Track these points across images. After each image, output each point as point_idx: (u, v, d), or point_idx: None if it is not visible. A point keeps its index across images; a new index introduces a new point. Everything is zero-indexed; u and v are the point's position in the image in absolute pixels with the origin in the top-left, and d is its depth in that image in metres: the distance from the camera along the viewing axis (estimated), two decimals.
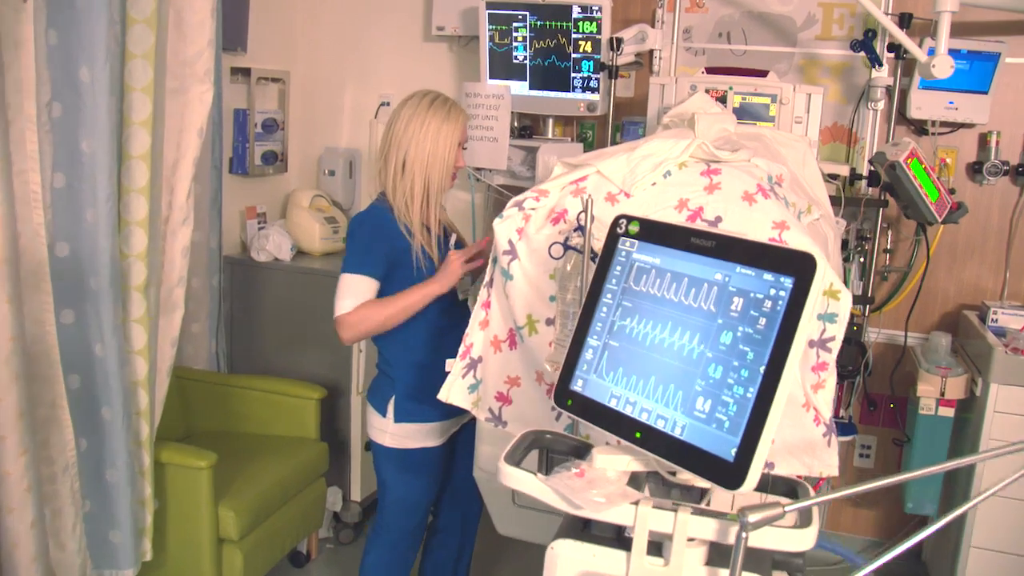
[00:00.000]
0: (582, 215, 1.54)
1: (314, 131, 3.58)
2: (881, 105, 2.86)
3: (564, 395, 1.28)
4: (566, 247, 1.57)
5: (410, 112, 2.07)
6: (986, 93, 2.71)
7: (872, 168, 2.48)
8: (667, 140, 1.73)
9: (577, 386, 1.27)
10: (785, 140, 2.17)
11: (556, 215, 1.66)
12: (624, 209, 1.64)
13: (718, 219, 1.60)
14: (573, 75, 2.91)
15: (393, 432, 2.13)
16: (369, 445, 2.26)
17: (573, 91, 2.93)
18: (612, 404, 1.22)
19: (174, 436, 2.82)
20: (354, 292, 1.98)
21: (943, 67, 2.25)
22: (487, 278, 1.74)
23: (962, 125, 2.80)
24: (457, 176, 2.17)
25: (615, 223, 1.29)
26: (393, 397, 2.13)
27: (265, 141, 3.27)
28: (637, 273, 1.25)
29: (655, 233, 1.25)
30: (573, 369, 1.28)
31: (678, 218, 1.62)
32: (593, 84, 2.90)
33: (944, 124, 2.78)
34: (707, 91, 2.45)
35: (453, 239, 2.18)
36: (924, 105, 2.71)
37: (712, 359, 1.12)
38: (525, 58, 2.95)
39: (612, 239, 1.30)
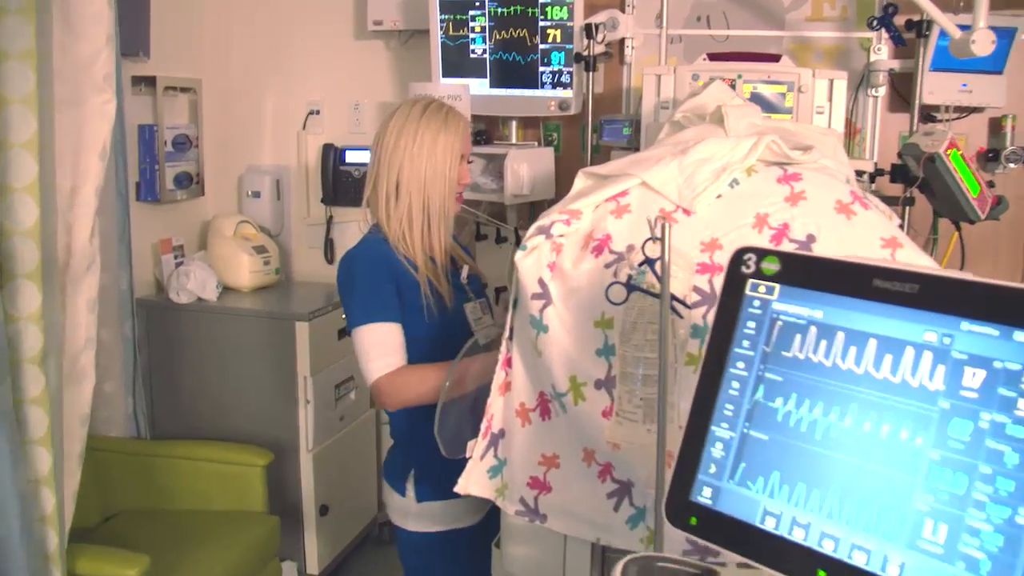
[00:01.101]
0: (650, 244, 1.16)
1: (233, 147, 3.10)
2: (882, 91, 2.58)
3: (683, 510, 0.90)
4: (630, 288, 1.19)
5: (399, 124, 1.69)
6: (1001, 73, 2.45)
7: (902, 162, 2.18)
8: (724, 140, 1.36)
9: (703, 497, 0.88)
10: (811, 134, 1.83)
11: (597, 243, 1.27)
12: (687, 230, 1.27)
13: (810, 238, 1.24)
14: (541, 69, 2.53)
15: (417, 514, 1.74)
16: (389, 531, 1.84)
17: (542, 87, 2.55)
18: (769, 526, 0.83)
19: (90, 523, 2.31)
20: (380, 345, 1.63)
21: (984, 43, 1.96)
22: (507, 328, 1.34)
23: (973, 110, 2.54)
24: (463, 196, 1.79)
25: (738, 260, 0.91)
26: (412, 472, 1.73)
27: (177, 161, 2.78)
28: (784, 332, 0.87)
29: (808, 273, 0.87)
30: (694, 472, 0.89)
31: (760, 240, 1.25)
32: (565, 79, 2.52)
33: (956, 110, 2.52)
34: (712, 80, 2.11)
35: (465, 272, 1.78)
36: (937, 89, 2.43)
37: (941, 462, 0.75)
38: (484, 52, 2.56)
39: (735, 282, 0.92)
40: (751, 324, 0.90)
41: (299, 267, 3.18)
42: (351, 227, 3.05)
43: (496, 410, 1.36)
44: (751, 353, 0.90)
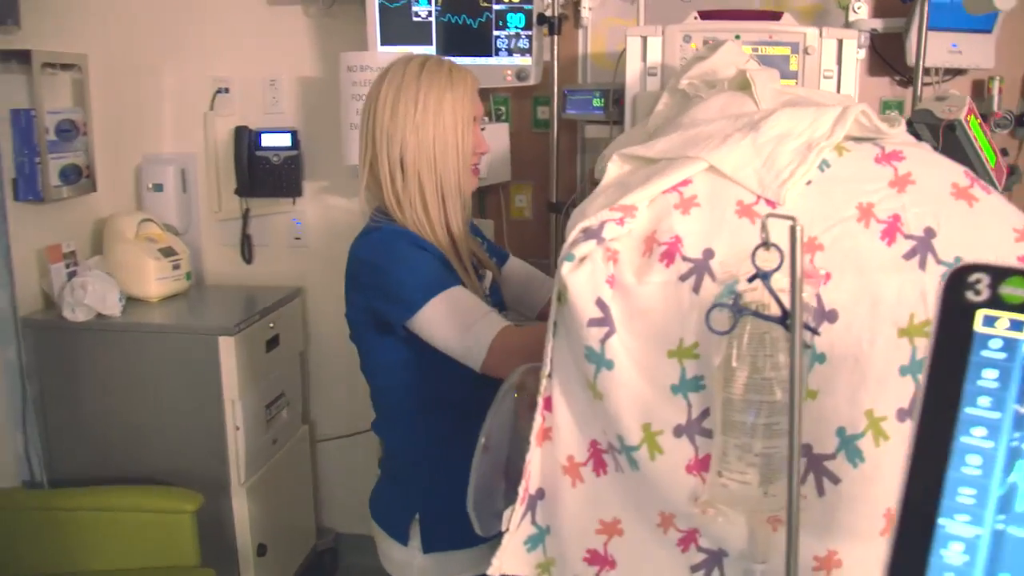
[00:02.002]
0: (762, 253, 0.87)
1: (128, 134, 2.65)
2: (862, 54, 2.37)
3: None
4: (738, 312, 0.90)
5: (394, 89, 1.40)
6: (990, 32, 2.28)
7: (910, 130, 1.97)
8: (800, 111, 1.09)
9: None
10: (831, 102, 1.60)
11: (665, 247, 0.98)
12: (774, 226, 0.99)
13: (929, 232, 0.98)
14: (496, 33, 2.22)
15: (423, 567, 1.43)
16: (331, 558, 1.52)
17: (496, 55, 2.23)
18: None
19: None
20: (471, 307, 1.33)
21: None
22: (546, 361, 1.04)
23: (958, 72, 2.37)
24: (480, 168, 1.51)
25: (959, 282, 0.64)
26: (417, 516, 1.43)
27: (62, 152, 2.33)
28: None
29: None
30: None
31: (868, 235, 0.99)
32: (523, 44, 2.21)
33: (946, 72, 2.34)
34: (706, 42, 1.84)
35: (488, 280, 1.49)
36: (930, 49, 2.23)
37: None
38: (429, 14, 2.21)
39: (957, 314, 0.64)
40: (990, 374, 0.63)
41: (212, 269, 2.77)
42: (272, 221, 2.68)
43: (534, 466, 1.06)
44: (996, 415, 0.62)
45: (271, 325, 2.43)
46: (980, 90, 2.39)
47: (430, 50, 2.24)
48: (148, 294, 2.41)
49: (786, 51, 1.82)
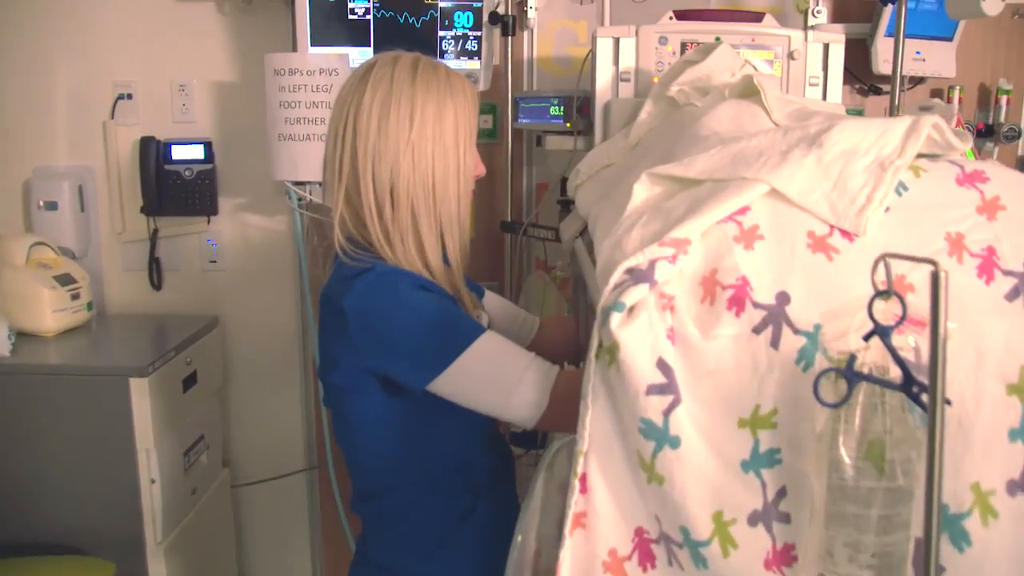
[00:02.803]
0: (879, 304, 0.69)
1: (15, 145, 2.32)
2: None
3: None
4: (852, 377, 0.72)
5: (382, 95, 1.15)
6: (951, 40, 2.21)
7: None
8: (864, 124, 0.92)
9: None
10: (830, 111, 1.47)
11: (732, 291, 0.79)
12: (856, 264, 0.83)
13: None
14: (441, 34, 2.01)
15: None
16: None
17: (442, 58, 2.02)
18: None
19: None
20: (514, 352, 1.12)
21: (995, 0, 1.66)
22: (583, 434, 0.84)
23: (919, 80, 2.29)
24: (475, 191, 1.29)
25: None
26: None
27: None
28: None
29: None
30: None
31: (963, 272, 0.83)
32: (471, 46, 2.01)
33: (909, 80, 2.25)
34: (684, 45, 1.68)
35: (485, 321, 1.27)
36: (892, 57, 2.14)
37: None
38: (367, 11, 1.99)
39: None
40: None
41: (117, 298, 2.45)
42: (184, 243, 2.40)
43: (566, 562, 0.86)
44: None
45: (188, 361, 2.15)
46: (938, 98, 2.32)
47: (367, 52, 2.02)
48: (43, 329, 2.10)
49: (769, 55, 1.68)
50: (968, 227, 0.86)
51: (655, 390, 0.76)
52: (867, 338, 0.70)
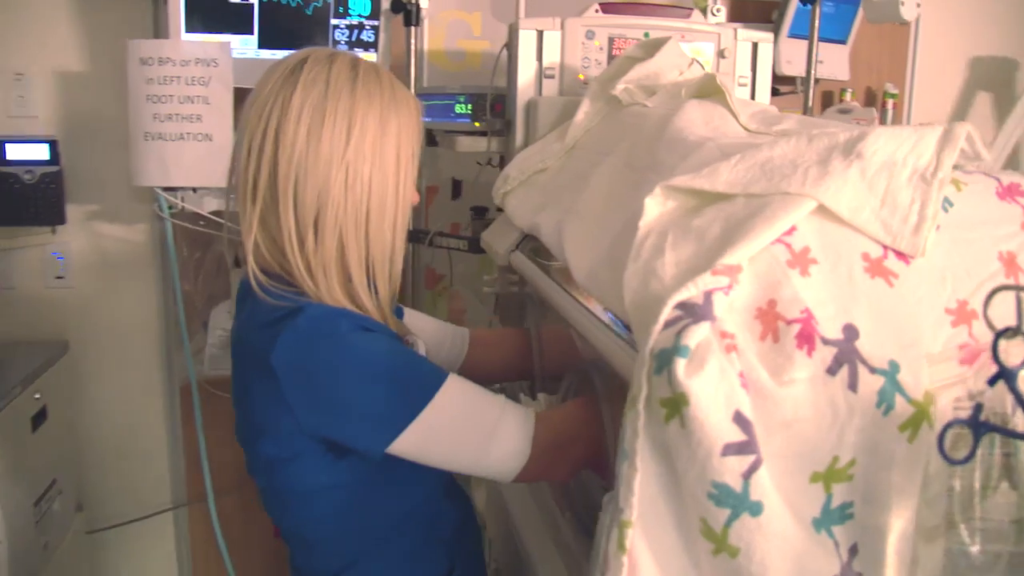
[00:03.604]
0: (1005, 342, 0.60)
1: None
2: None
3: None
4: (979, 430, 0.61)
5: (315, 100, 0.95)
6: (845, 44, 2.23)
7: None
8: (897, 131, 0.83)
9: None
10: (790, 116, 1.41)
11: (798, 326, 0.68)
12: (915, 289, 0.74)
13: None
14: (334, 22, 1.81)
15: None
16: None
17: (336, 48, 1.82)
18: None
19: None
20: (484, 401, 0.97)
21: (912, 5, 1.65)
22: (630, 504, 0.70)
23: (815, 83, 2.30)
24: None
25: None
26: None
27: None
28: None
29: None
30: None
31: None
32: (367, 36, 1.83)
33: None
34: (612, 40, 1.58)
35: (422, 348, 1.09)
36: (795, 58, 2.13)
37: None
38: None
39: None
40: None
41: None
42: (24, 256, 2.08)
43: None
44: None
45: (37, 396, 1.84)
46: (829, 101, 2.34)
47: (250, 41, 1.79)
48: None
49: (699, 53, 1.60)
50: (1017, 245, 0.80)
51: (733, 449, 0.63)
52: (992, 382, 0.60)
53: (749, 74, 1.63)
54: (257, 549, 2.29)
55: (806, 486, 0.68)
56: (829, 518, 0.69)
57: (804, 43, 2.10)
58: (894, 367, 0.69)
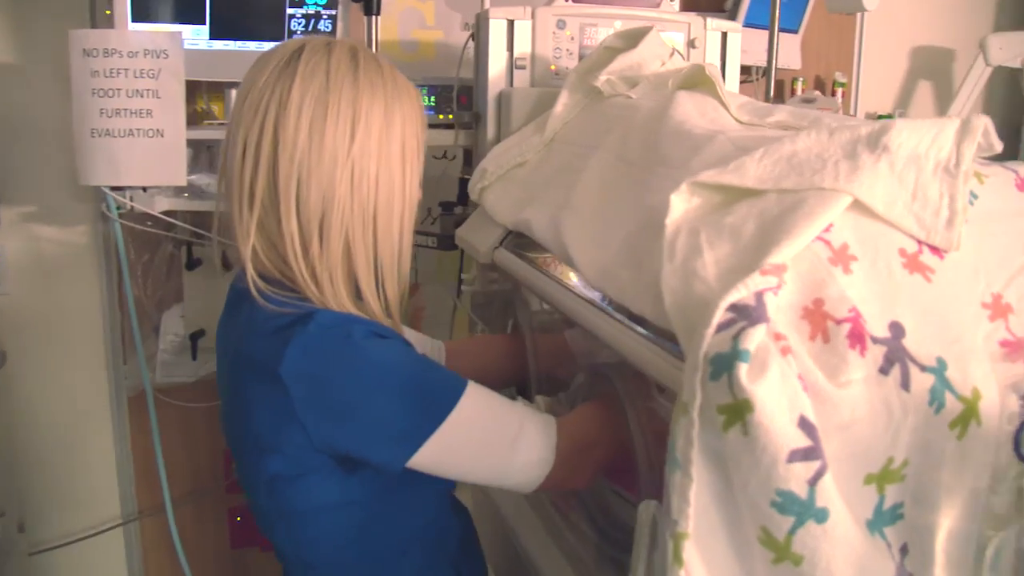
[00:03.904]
0: None
1: None
2: None
3: None
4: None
5: (315, 92, 0.88)
6: (797, 33, 2.25)
7: None
8: (917, 123, 0.82)
9: None
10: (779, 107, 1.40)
11: (848, 325, 0.66)
12: (951, 284, 0.73)
13: None
14: (290, 11, 1.73)
15: None
16: None
17: (290, 38, 1.75)
18: None
19: None
20: (505, 409, 0.92)
21: None
22: (685, 515, 0.67)
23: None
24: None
25: None
26: None
27: None
28: None
29: None
30: None
31: None
32: (324, 26, 1.76)
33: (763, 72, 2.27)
34: (583, 29, 1.55)
35: None
36: (750, 47, 2.14)
37: None
38: None
39: None
40: None
41: None
42: None
43: None
44: None
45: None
46: (781, 90, 2.37)
47: (201, 31, 1.70)
48: None
49: (669, 43, 1.58)
50: None
51: (799, 456, 0.61)
52: None
53: (719, 64, 1.63)
54: (213, 562, 2.21)
55: (860, 488, 0.67)
56: (881, 519, 0.68)
57: (759, 32, 2.11)
58: (942, 364, 0.68)
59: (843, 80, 2.32)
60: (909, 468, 0.68)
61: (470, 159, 1.71)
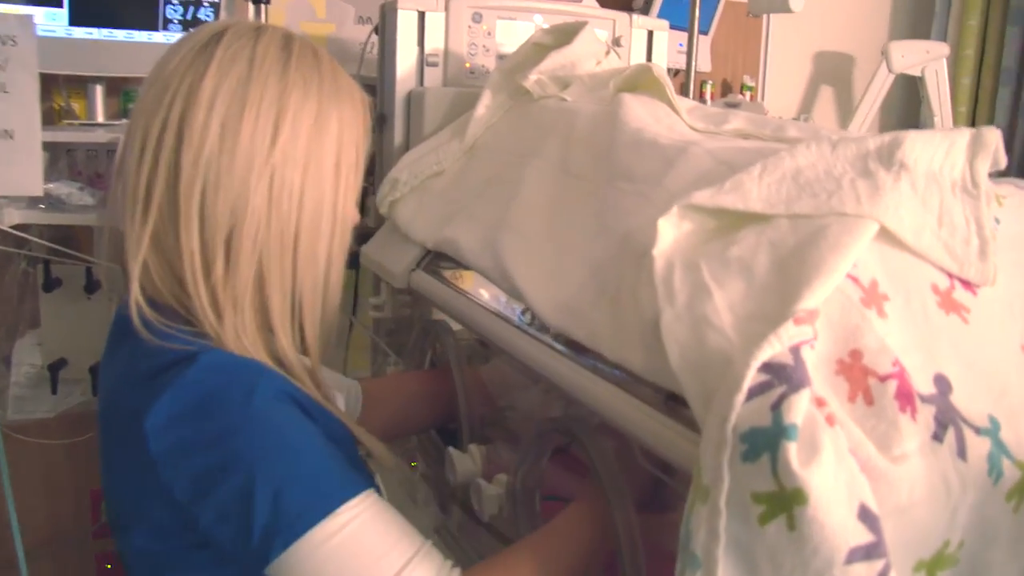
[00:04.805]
0: None
1: None
2: None
3: None
4: None
5: (233, 84, 0.72)
6: (707, 34, 2.18)
7: None
8: (928, 135, 0.71)
9: None
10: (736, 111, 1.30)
11: (894, 383, 0.55)
12: (986, 324, 0.63)
13: None
14: None
15: None
16: None
17: (165, 29, 1.53)
18: None
19: None
20: (394, 536, 0.69)
21: None
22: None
23: (676, 72, 2.24)
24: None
25: None
26: None
27: None
28: None
29: None
30: None
31: None
32: (206, 14, 1.55)
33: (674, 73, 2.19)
34: (500, 24, 1.41)
35: (341, 403, 0.92)
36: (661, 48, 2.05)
37: None
38: None
39: None
40: None
41: None
42: None
43: None
44: None
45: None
46: (685, 93, 2.29)
47: (59, 15, 1.46)
48: None
49: None
50: None
51: (859, 555, 0.49)
52: None
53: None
54: None
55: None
56: None
57: (673, 33, 2.03)
58: (995, 424, 0.58)
59: (751, 83, 2.27)
60: (964, 550, 0.57)
61: (373, 167, 1.54)
